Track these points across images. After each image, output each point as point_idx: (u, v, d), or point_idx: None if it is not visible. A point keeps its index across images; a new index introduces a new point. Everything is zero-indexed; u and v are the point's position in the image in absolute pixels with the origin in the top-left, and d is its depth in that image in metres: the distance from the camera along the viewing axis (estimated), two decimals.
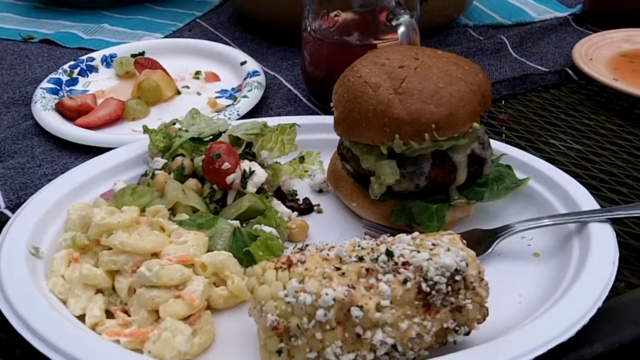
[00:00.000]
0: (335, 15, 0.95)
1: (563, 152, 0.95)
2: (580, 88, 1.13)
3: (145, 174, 0.80)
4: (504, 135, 0.99)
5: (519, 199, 0.79)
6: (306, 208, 0.79)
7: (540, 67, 1.17)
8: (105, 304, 0.63)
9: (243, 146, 0.79)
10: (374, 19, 0.94)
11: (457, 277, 0.56)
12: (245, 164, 0.76)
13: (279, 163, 0.84)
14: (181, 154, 0.79)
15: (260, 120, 0.83)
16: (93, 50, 1.20)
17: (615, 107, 1.07)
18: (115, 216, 0.67)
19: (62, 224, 0.73)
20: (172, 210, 0.73)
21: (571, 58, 1.16)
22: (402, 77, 0.71)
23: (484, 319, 0.59)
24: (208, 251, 0.67)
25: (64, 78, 1.09)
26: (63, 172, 0.83)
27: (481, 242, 0.72)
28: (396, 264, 0.56)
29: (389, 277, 0.55)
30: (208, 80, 1.10)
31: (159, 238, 0.65)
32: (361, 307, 0.53)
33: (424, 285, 0.55)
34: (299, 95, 1.07)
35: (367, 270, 0.56)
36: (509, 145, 0.87)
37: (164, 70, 1.08)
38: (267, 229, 0.70)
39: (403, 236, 0.60)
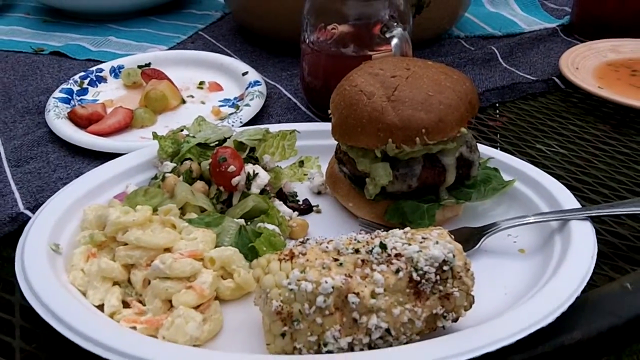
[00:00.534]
0: (332, 28, 1.00)
1: (549, 156, 1.00)
2: (567, 96, 1.18)
3: (155, 177, 0.85)
4: (498, 135, 1.05)
5: (506, 199, 0.85)
6: (306, 208, 0.84)
7: (528, 76, 1.23)
8: (121, 295, 0.68)
9: (247, 151, 0.85)
10: (369, 32, 0.99)
11: (445, 268, 0.61)
12: (249, 167, 0.81)
13: (280, 167, 0.89)
14: (189, 159, 0.84)
15: (262, 127, 0.89)
16: (101, 62, 1.25)
17: (600, 114, 1.12)
18: (130, 215, 0.72)
19: (78, 223, 0.78)
20: (182, 210, 0.78)
21: (558, 67, 1.22)
22: (394, 86, 0.76)
23: (470, 307, 0.64)
24: (216, 247, 0.72)
25: (75, 88, 1.15)
26: (76, 176, 0.88)
27: (469, 239, 0.77)
28: (389, 255, 0.61)
29: (383, 268, 0.60)
30: (211, 89, 1.16)
31: (170, 235, 0.70)
32: (357, 294, 0.59)
33: (414, 274, 0.60)
34: (298, 103, 1.12)
35: (362, 261, 0.61)
36: (496, 150, 0.93)
37: (170, 80, 1.14)
38: (270, 226, 0.75)
39: (396, 231, 0.65)
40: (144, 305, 0.67)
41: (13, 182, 0.92)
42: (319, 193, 0.89)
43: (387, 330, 0.60)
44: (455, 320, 0.63)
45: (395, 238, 0.63)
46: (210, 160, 0.81)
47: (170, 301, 0.66)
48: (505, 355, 0.61)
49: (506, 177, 0.85)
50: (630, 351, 1.53)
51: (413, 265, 0.61)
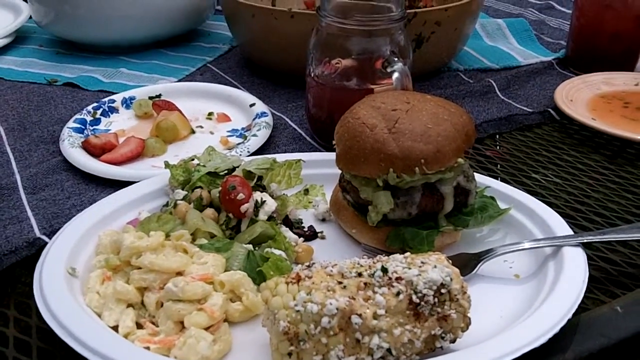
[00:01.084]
0: (336, 63, 1.05)
1: (545, 185, 1.04)
2: (562, 127, 1.23)
3: (167, 204, 0.89)
4: (498, 165, 1.09)
5: (502, 226, 0.89)
6: (311, 234, 0.88)
7: (525, 108, 1.28)
8: (135, 316, 0.71)
9: (255, 179, 0.89)
10: (371, 66, 1.04)
11: (443, 290, 0.65)
12: (257, 195, 0.85)
13: (286, 194, 0.93)
14: (200, 187, 0.88)
15: (270, 156, 0.93)
16: (112, 93, 1.30)
17: (594, 145, 1.17)
18: (144, 240, 0.76)
19: (93, 248, 0.82)
20: (193, 236, 0.82)
21: (554, 99, 1.26)
22: (395, 118, 0.80)
23: (467, 328, 0.67)
24: (225, 271, 0.76)
25: (88, 118, 1.19)
26: (90, 203, 0.92)
27: (467, 264, 0.81)
28: (390, 278, 0.65)
29: (384, 290, 0.64)
30: (220, 120, 1.20)
31: (182, 259, 0.74)
32: (360, 315, 0.62)
33: (414, 297, 0.64)
34: (303, 134, 1.16)
35: (365, 284, 0.65)
36: (492, 179, 0.97)
37: (180, 111, 1.18)
38: (277, 252, 0.79)
39: (397, 256, 0.69)
40: (157, 326, 0.71)
41: (29, 208, 0.96)
42: (323, 220, 0.92)
43: (389, 350, 0.63)
44: (453, 341, 0.67)
45: (396, 262, 0.67)
46: (220, 188, 0.85)
47: (182, 322, 0.70)
48: None
49: (502, 205, 0.89)
50: None
51: (413, 288, 0.64)
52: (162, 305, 0.72)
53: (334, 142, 0.87)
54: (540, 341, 0.67)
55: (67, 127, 1.15)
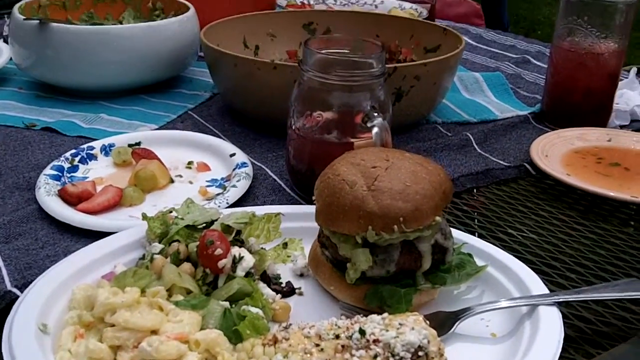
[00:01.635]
0: (318, 116, 1.06)
1: (520, 241, 1.05)
2: (537, 182, 1.25)
3: (143, 257, 0.89)
4: (475, 220, 1.10)
5: (479, 283, 0.89)
6: (288, 291, 0.88)
7: (501, 162, 1.29)
8: None
9: (233, 234, 0.89)
10: (352, 120, 1.05)
11: (420, 353, 0.65)
12: (235, 250, 0.85)
13: (265, 249, 0.93)
14: (177, 240, 0.88)
15: (249, 209, 0.93)
16: (92, 139, 1.30)
17: (568, 200, 1.18)
18: (119, 296, 0.75)
19: (66, 302, 0.81)
20: (169, 292, 0.81)
21: (529, 154, 1.28)
22: (374, 176, 0.81)
23: None
24: (201, 329, 0.75)
25: (66, 165, 1.19)
26: (65, 254, 0.91)
27: (444, 323, 0.81)
28: (368, 341, 0.65)
29: (362, 353, 0.64)
30: (199, 170, 1.20)
31: (157, 317, 0.73)
32: None
33: (391, 359, 0.64)
34: (283, 185, 1.17)
35: (342, 346, 0.64)
36: (469, 235, 0.97)
37: (159, 160, 1.18)
38: (254, 310, 0.78)
39: (374, 317, 0.69)
40: None
41: (1, 258, 0.95)
42: (301, 275, 0.92)
43: None
44: None
45: (374, 324, 0.67)
46: (197, 242, 0.85)
47: None
48: None
49: (479, 262, 0.89)
50: None
51: (390, 350, 0.64)
52: None
53: (313, 198, 0.87)
54: None
55: (44, 174, 1.14)
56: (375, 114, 1.02)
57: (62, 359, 0.72)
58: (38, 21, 1.46)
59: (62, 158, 1.20)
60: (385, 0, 2.08)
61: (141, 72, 1.51)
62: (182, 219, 0.91)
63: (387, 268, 0.82)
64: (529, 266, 0.90)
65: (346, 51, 1.09)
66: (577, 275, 0.96)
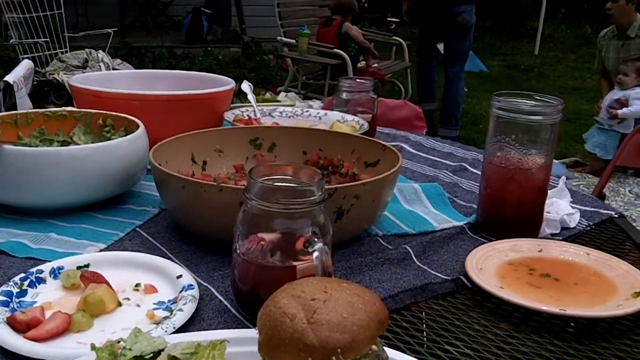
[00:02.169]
0: (261, 240, 1.12)
1: (456, 357, 1.10)
2: (473, 294, 1.31)
3: None
4: (414, 338, 1.15)
5: None
6: None
7: (439, 275, 1.36)
8: None
9: None
10: (294, 244, 1.11)
11: None
12: None
13: None
14: None
15: (194, 339, 0.96)
16: (41, 260, 1.32)
17: (502, 313, 1.25)
18: None
19: None
20: None
21: (465, 267, 1.35)
22: (314, 308, 0.86)
23: None
24: None
25: (15, 290, 1.20)
26: None
27: None
28: None
29: None
30: (147, 292, 1.23)
31: None
32: None
33: None
34: (229, 306, 1.20)
35: None
36: (406, 356, 1.02)
37: (108, 283, 1.21)
38: None
39: None
40: None
41: None
42: None
43: None
44: None
45: None
46: None
47: None
48: None
49: None
50: None
51: None
52: None
53: (257, 330, 0.91)
54: None
55: None
56: (316, 239, 1.08)
57: None
58: None
59: (10, 283, 1.21)
60: (328, 113, 2.19)
61: (91, 191, 1.55)
62: (130, 349, 0.94)
63: None
64: None
65: (289, 177, 1.16)
66: None
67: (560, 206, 1.68)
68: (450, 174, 2.00)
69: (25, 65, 2.36)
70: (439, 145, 2.34)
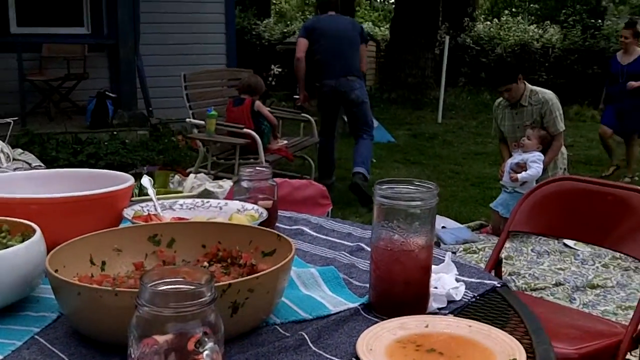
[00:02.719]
0: (154, 343, 1.16)
1: None
2: None
3: None
4: None
5: None
6: None
7: (334, 358, 1.43)
8: None
9: None
10: (186, 345, 1.15)
11: None
12: None
13: None
14: None
15: None
16: None
17: None
18: None
19: None
20: None
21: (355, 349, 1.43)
22: None
23: None
24: None
25: None
26: None
27: None
28: None
29: None
30: None
31: None
32: None
33: None
34: None
35: None
36: None
37: None
38: None
39: None
40: None
41: None
42: None
43: None
44: None
45: None
46: None
47: None
48: None
49: None
50: None
51: None
52: None
53: None
54: None
55: None
56: (206, 339, 1.14)
57: None
58: None
59: None
60: (229, 203, 2.26)
61: None
62: None
63: None
64: None
65: (180, 279, 1.22)
66: None
67: (445, 281, 1.80)
68: (348, 255, 2.10)
69: None
70: (338, 226, 2.45)
